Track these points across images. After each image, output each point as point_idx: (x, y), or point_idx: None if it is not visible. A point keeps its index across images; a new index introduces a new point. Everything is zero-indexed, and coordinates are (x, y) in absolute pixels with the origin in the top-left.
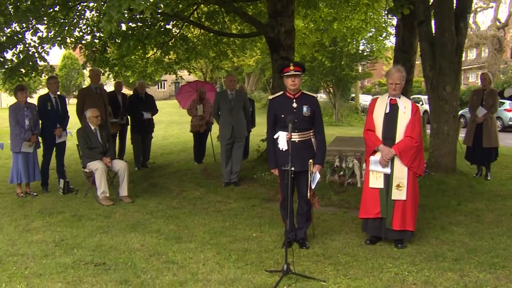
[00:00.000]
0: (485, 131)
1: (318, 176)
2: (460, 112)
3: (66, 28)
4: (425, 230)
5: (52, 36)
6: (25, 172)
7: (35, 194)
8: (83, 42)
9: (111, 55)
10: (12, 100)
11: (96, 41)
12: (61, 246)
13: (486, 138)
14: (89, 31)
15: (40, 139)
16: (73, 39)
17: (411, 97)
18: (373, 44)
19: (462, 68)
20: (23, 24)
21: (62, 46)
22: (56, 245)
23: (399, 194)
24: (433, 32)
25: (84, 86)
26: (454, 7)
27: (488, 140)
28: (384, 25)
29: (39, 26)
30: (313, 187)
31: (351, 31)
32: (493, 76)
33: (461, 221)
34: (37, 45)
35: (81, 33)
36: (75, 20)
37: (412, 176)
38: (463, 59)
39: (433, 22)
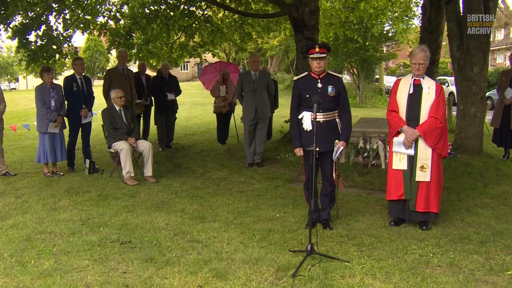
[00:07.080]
0: None
1: (341, 148)
2: (487, 94)
3: (90, 11)
4: (450, 212)
5: (76, 18)
6: (52, 152)
7: (61, 174)
8: (107, 28)
9: (137, 40)
10: (38, 81)
11: (121, 27)
12: (87, 225)
13: None
14: (112, 17)
15: (66, 119)
16: (96, 26)
17: (437, 78)
18: (400, 25)
19: (490, 48)
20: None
21: (84, 32)
22: (82, 224)
23: (423, 175)
24: (461, 11)
25: (109, 67)
26: None
27: None
28: (411, 5)
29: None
30: (334, 158)
31: (377, 11)
32: None
33: (487, 204)
34: (61, 28)
35: (105, 19)
36: (98, 6)
37: (437, 158)
38: (491, 39)
39: (461, 1)
